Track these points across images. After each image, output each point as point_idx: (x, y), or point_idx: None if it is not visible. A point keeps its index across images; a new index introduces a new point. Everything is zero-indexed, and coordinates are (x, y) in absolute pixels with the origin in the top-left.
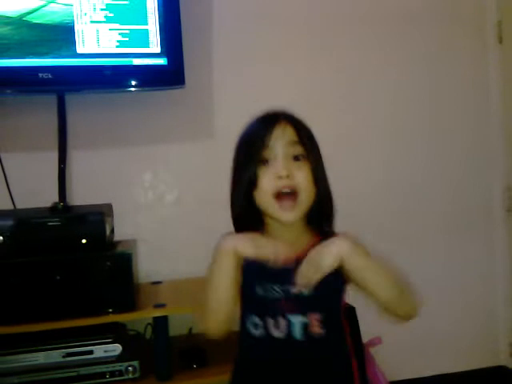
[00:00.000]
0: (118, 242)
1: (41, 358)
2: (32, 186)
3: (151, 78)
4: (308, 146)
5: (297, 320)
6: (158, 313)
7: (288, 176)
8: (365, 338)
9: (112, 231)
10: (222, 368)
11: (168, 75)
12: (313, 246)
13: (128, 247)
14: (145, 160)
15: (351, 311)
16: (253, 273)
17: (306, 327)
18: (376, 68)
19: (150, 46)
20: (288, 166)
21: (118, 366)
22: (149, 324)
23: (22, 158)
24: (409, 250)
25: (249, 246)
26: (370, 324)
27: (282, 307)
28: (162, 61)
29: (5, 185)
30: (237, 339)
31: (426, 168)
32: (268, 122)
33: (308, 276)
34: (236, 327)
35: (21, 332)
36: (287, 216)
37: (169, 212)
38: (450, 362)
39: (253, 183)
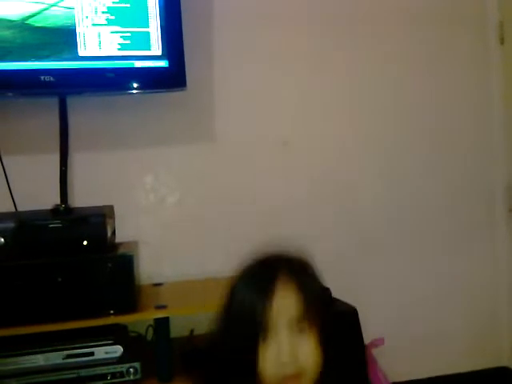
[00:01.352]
0: (120, 244)
1: (41, 359)
2: (33, 188)
3: (152, 80)
4: (314, 315)
5: None
6: (160, 314)
7: (291, 362)
8: (367, 340)
9: (113, 233)
10: None
11: (169, 77)
12: None
13: (129, 249)
14: (146, 162)
15: (353, 312)
16: None
17: None
18: (377, 68)
19: (152, 48)
20: (291, 346)
21: (119, 368)
22: (150, 326)
23: (24, 160)
24: (410, 250)
25: None
26: (372, 325)
27: None
28: (163, 63)
29: (6, 187)
30: None
31: (427, 168)
32: (264, 295)
33: None
34: None
35: (21, 334)
36: None
37: (170, 214)
38: (453, 363)
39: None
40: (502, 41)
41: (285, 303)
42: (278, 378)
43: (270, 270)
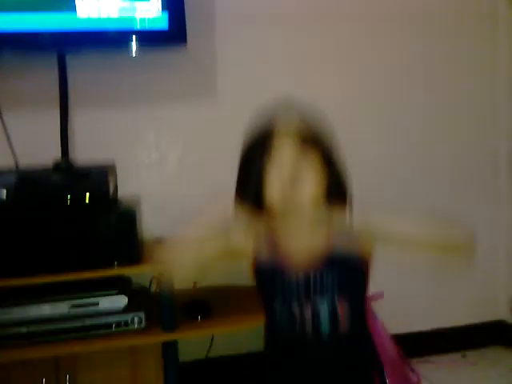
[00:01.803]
0: (122, 199)
1: (48, 309)
2: (34, 144)
3: (153, 37)
4: (317, 152)
5: (322, 303)
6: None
7: (293, 191)
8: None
9: (116, 188)
10: (225, 319)
11: (170, 34)
12: (328, 249)
13: (132, 204)
14: (147, 120)
15: None
16: (269, 283)
17: (331, 313)
18: (378, 27)
19: (151, 2)
20: (294, 167)
21: (123, 317)
22: (153, 278)
23: (25, 117)
24: (410, 214)
25: (241, 239)
26: (372, 279)
27: (307, 294)
28: (163, 19)
29: (7, 144)
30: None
31: (429, 135)
32: (270, 141)
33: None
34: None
35: (29, 284)
36: (297, 220)
37: (172, 170)
38: (450, 317)
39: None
40: (511, 2)
41: (288, 127)
42: (282, 199)
43: (277, 121)
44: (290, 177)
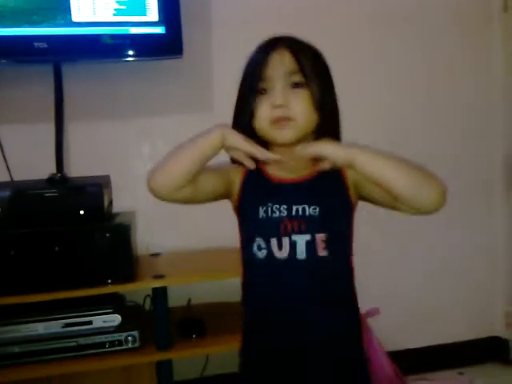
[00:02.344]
0: (117, 214)
1: (41, 328)
2: (29, 158)
3: (148, 47)
4: (309, 73)
5: (301, 240)
6: (157, 283)
7: (283, 105)
8: (362, 309)
9: (110, 203)
10: (221, 338)
11: (166, 44)
12: (320, 170)
13: (127, 219)
14: (143, 132)
15: None
16: (254, 194)
17: (309, 247)
18: (381, 23)
19: (148, 14)
20: (285, 95)
21: (117, 336)
22: (148, 296)
23: (19, 129)
24: (405, 220)
25: (240, 137)
26: (367, 295)
27: (286, 227)
28: (159, 30)
29: (1, 156)
30: (242, 263)
31: (424, 139)
32: (265, 51)
33: (306, 148)
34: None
35: (21, 303)
36: (283, 134)
37: None
38: (446, 333)
39: (252, 114)
40: (505, 8)
41: (280, 58)
42: (271, 119)
43: (271, 42)
44: (280, 99)
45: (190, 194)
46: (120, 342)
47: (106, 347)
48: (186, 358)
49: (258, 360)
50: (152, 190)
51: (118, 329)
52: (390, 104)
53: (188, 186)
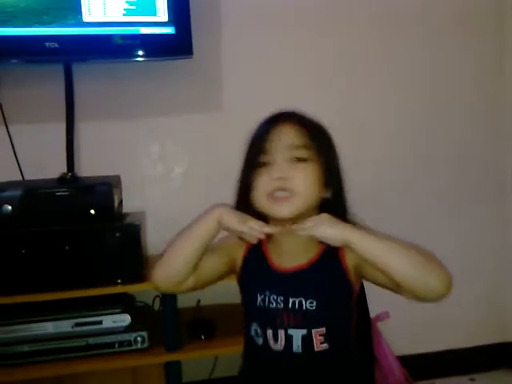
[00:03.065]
0: (127, 214)
1: (51, 327)
2: (40, 157)
3: (158, 47)
4: (313, 148)
5: (297, 334)
6: None
7: (283, 178)
8: (373, 313)
9: (120, 203)
10: (229, 339)
11: (175, 44)
12: (319, 256)
13: (136, 219)
14: (153, 132)
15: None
16: (254, 280)
17: (305, 342)
18: (383, 31)
19: (158, 14)
20: (285, 168)
21: (126, 336)
22: (157, 296)
23: (30, 129)
24: (416, 225)
25: (234, 218)
26: (377, 299)
27: (283, 319)
28: (169, 30)
29: (13, 156)
30: (244, 343)
31: (434, 133)
32: (268, 125)
33: (301, 227)
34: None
35: (31, 302)
36: (281, 209)
37: (177, 184)
38: (458, 338)
39: (250, 187)
40: None
41: (284, 131)
42: (269, 192)
43: (275, 117)
44: (279, 171)
45: (193, 285)
46: (129, 343)
47: (115, 347)
48: (195, 359)
49: None
50: (157, 286)
51: (128, 329)
52: (395, 104)
53: (191, 277)
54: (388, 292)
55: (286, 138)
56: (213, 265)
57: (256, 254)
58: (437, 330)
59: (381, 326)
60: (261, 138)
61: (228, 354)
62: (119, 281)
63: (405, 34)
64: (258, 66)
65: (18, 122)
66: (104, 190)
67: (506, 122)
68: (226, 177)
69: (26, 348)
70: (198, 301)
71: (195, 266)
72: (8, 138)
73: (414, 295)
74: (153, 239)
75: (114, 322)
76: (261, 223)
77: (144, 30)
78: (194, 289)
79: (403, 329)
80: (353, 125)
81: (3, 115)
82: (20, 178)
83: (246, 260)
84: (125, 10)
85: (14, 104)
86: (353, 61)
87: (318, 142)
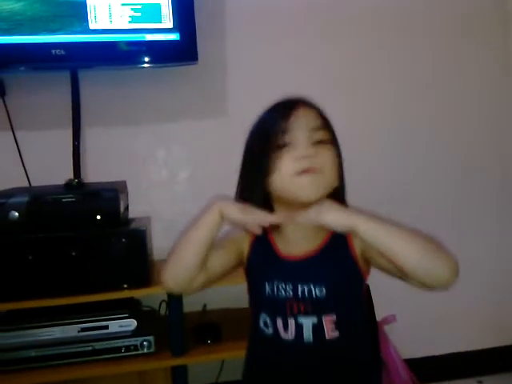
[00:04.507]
0: (133, 219)
1: (57, 332)
2: (47, 163)
3: (164, 53)
4: (330, 133)
5: (307, 322)
6: None
7: (309, 157)
8: (379, 316)
9: (126, 208)
10: (236, 343)
11: (181, 51)
12: (327, 243)
13: (142, 224)
14: (158, 137)
15: (366, 289)
16: (261, 270)
17: (316, 330)
18: (390, 32)
19: (163, 21)
20: (310, 147)
21: (133, 341)
22: (163, 301)
23: (37, 135)
24: (420, 224)
25: (236, 209)
26: (384, 302)
27: (292, 307)
28: (174, 36)
29: (20, 162)
30: (249, 335)
31: (437, 138)
32: (287, 107)
33: (306, 215)
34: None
35: (37, 307)
36: (307, 191)
37: (182, 189)
38: (465, 340)
39: (268, 170)
40: None
41: (304, 113)
42: (295, 173)
43: (291, 101)
44: (306, 150)
45: (204, 282)
46: (135, 347)
47: (121, 352)
48: (201, 364)
49: None
50: (168, 288)
51: (134, 334)
52: (398, 105)
53: (201, 275)
54: (394, 295)
55: (308, 120)
56: (221, 259)
57: (262, 244)
58: (444, 333)
59: (387, 329)
60: (281, 118)
61: (234, 358)
62: (125, 286)
63: (409, 36)
64: (262, 72)
65: (24, 128)
66: (110, 196)
67: (510, 123)
68: (231, 182)
69: (32, 353)
70: (204, 305)
71: (204, 263)
72: (15, 145)
73: (421, 282)
74: (158, 244)
75: (120, 326)
76: (265, 213)
77: (149, 37)
78: (204, 286)
79: (410, 332)
80: (357, 129)
81: (10, 122)
82: (27, 185)
83: (252, 251)
84: (130, 17)
85: (21, 111)
86: (358, 66)
87: (332, 128)
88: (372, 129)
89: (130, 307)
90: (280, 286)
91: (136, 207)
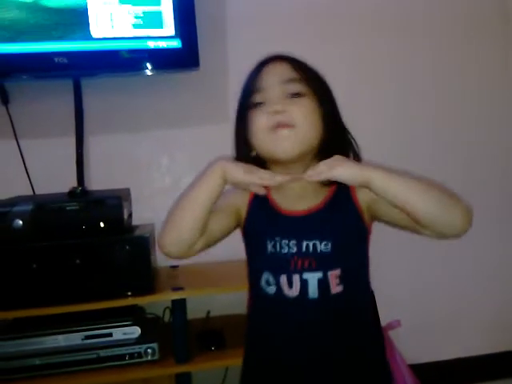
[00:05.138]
0: (136, 227)
1: (61, 340)
2: (50, 171)
3: (166, 60)
4: (307, 82)
5: (312, 278)
6: (177, 296)
7: (281, 111)
8: (383, 322)
9: (130, 216)
10: (240, 350)
11: (182, 57)
12: (331, 197)
13: (146, 231)
14: (161, 144)
15: (370, 295)
16: (262, 228)
17: (322, 285)
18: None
19: (164, 27)
20: (283, 102)
21: (137, 348)
22: (167, 308)
23: (40, 143)
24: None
25: (240, 170)
26: (388, 307)
27: (297, 264)
28: (176, 43)
29: (24, 170)
30: (248, 299)
31: (435, 144)
32: (260, 65)
33: (315, 171)
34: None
35: (42, 315)
36: (284, 146)
37: None
38: (470, 346)
39: (247, 129)
40: None
41: (275, 68)
42: (268, 128)
43: (267, 57)
44: (277, 105)
45: (203, 246)
46: (139, 355)
47: (125, 359)
48: (205, 371)
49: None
50: (167, 252)
51: (138, 341)
52: (398, 106)
53: (199, 240)
54: (399, 300)
55: (279, 73)
56: (221, 222)
57: (261, 201)
58: (449, 339)
59: (392, 334)
60: (253, 77)
61: (239, 365)
62: (129, 293)
63: (409, 36)
64: None
65: (28, 136)
66: (114, 204)
67: (510, 123)
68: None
69: (37, 361)
70: (208, 312)
71: (205, 227)
72: (19, 153)
73: (435, 231)
74: None
75: (124, 334)
76: (271, 173)
77: (151, 44)
78: (202, 250)
79: (415, 337)
80: (357, 129)
81: (14, 130)
82: (31, 193)
83: (251, 209)
84: (132, 24)
85: (24, 119)
86: (358, 66)
87: (311, 76)
88: (372, 129)
89: (134, 314)
90: (283, 243)
91: (140, 214)
